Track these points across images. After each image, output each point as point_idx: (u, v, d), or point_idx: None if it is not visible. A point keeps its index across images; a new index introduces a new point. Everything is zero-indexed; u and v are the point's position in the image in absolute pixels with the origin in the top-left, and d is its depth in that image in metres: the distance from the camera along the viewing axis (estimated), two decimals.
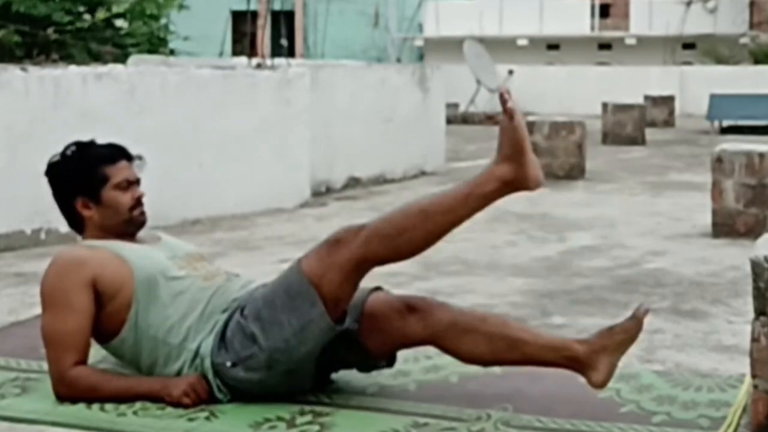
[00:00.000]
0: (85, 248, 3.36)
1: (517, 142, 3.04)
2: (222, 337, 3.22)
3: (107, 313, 3.27)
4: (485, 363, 3.23)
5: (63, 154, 3.45)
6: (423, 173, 10.78)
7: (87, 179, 3.38)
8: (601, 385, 3.14)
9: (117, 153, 3.46)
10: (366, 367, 3.36)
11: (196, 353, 3.24)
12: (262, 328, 3.14)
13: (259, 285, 3.41)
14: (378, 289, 3.33)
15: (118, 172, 3.42)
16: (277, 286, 3.19)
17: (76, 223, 3.45)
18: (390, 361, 3.36)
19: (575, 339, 3.24)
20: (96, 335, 3.31)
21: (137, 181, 3.47)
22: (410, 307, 3.21)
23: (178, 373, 3.25)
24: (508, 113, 3.03)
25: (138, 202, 3.44)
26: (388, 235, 3.07)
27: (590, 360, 3.12)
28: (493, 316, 3.37)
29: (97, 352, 3.42)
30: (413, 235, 3.07)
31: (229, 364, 3.18)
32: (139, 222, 3.45)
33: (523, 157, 3.04)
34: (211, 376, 3.21)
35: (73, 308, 3.22)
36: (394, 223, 3.09)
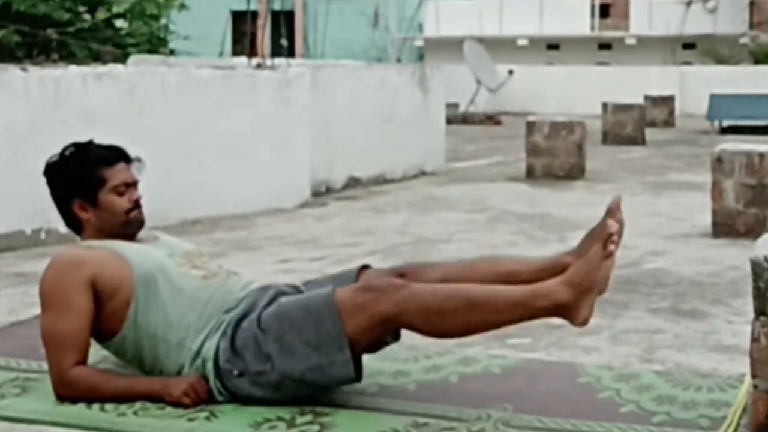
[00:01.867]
0: (83, 248, 3.36)
1: (592, 280, 3.02)
2: (232, 343, 3.19)
3: (107, 312, 3.27)
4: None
5: (61, 154, 3.43)
6: (423, 173, 10.78)
7: (84, 182, 3.37)
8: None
9: (115, 155, 3.44)
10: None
11: (197, 353, 3.23)
12: (280, 350, 3.12)
13: (274, 289, 3.35)
14: (366, 267, 3.36)
15: (116, 174, 3.40)
16: (307, 317, 3.12)
17: (74, 225, 3.45)
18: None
19: (562, 252, 3.26)
20: (97, 334, 3.31)
21: (135, 184, 3.45)
22: (401, 273, 3.24)
23: (179, 372, 3.24)
24: (608, 254, 3.02)
25: (135, 205, 3.42)
26: (427, 307, 3.04)
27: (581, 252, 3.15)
28: (482, 259, 3.40)
29: (97, 352, 3.42)
30: (452, 320, 3.04)
31: (236, 372, 3.16)
32: (137, 224, 3.43)
33: (587, 294, 3.02)
34: (212, 378, 3.20)
35: (72, 308, 3.21)
36: (438, 299, 3.04)
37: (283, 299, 3.27)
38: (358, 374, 3.16)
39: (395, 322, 3.09)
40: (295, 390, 3.15)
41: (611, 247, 3.02)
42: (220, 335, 3.22)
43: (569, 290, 3.01)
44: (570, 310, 3.02)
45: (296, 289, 3.41)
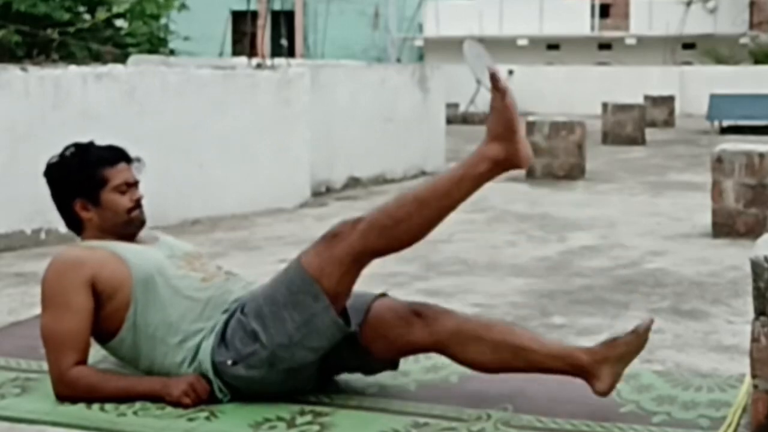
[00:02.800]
0: (83, 248, 3.36)
1: (508, 121, 3.08)
2: (222, 337, 3.22)
3: (106, 313, 3.27)
4: (491, 370, 3.23)
5: (62, 155, 3.44)
6: (423, 173, 10.78)
7: (86, 181, 3.38)
8: (605, 393, 3.13)
9: (116, 155, 3.46)
10: (369, 371, 3.36)
11: (196, 353, 3.24)
12: (263, 324, 3.14)
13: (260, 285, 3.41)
14: (383, 295, 3.32)
15: (117, 174, 3.41)
16: (278, 284, 3.19)
17: (75, 225, 3.45)
18: (394, 365, 3.36)
19: (580, 348, 3.22)
20: (95, 335, 3.31)
21: (136, 184, 3.47)
22: (416, 313, 3.20)
23: (177, 373, 3.25)
24: (501, 92, 3.07)
25: (137, 205, 3.43)
26: (385, 225, 3.08)
27: (593, 369, 3.12)
28: (499, 324, 3.34)
29: (97, 352, 3.42)
30: (410, 223, 3.08)
31: (230, 362, 3.18)
32: (138, 223, 3.45)
33: (513, 136, 3.08)
34: (211, 376, 3.21)
35: (72, 308, 3.22)
36: (390, 214, 3.09)
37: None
38: (347, 323, 3.16)
39: (366, 256, 3.11)
40: (290, 362, 3.14)
41: (500, 84, 3.09)
42: (215, 335, 3.24)
43: (497, 143, 3.08)
44: (510, 159, 3.07)
45: None
